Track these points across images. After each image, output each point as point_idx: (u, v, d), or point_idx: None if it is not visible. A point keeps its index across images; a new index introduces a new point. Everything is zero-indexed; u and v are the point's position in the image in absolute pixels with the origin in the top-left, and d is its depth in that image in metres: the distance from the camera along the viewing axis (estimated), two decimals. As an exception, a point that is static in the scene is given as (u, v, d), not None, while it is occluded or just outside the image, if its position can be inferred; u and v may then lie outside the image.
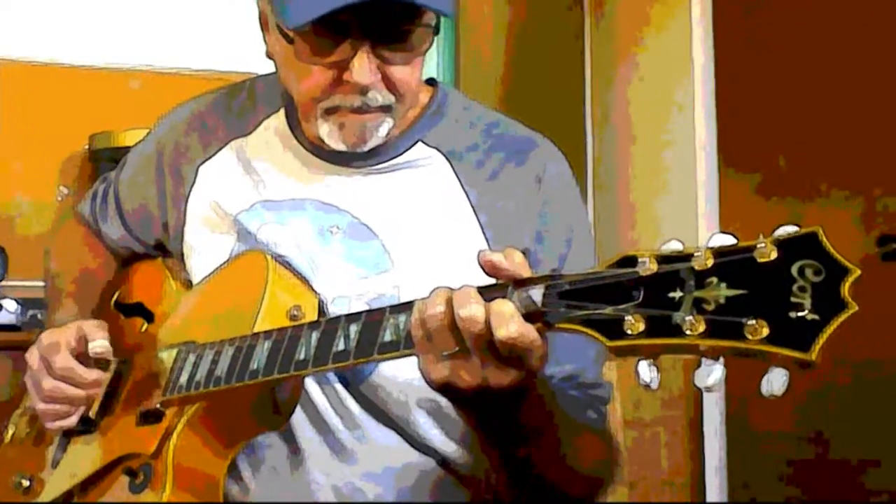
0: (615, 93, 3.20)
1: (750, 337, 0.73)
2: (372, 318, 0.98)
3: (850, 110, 2.54)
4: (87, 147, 2.52)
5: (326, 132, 1.19)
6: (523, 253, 0.93)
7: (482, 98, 1.41)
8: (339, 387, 1.21)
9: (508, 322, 0.86)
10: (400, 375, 1.17)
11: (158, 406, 1.17)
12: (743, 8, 2.88)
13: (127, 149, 1.51)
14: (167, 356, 1.20)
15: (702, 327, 0.75)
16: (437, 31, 1.15)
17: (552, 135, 1.31)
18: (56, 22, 2.64)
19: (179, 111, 1.41)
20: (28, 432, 1.38)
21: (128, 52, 2.67)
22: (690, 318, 0.76)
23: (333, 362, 0.99)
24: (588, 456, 1.15)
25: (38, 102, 2.57)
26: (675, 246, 0.80)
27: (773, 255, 0.75)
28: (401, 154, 1.25)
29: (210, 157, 1.34)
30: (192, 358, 1.15)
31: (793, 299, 0.73)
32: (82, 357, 1.24)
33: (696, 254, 0.78)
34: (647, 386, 0.81)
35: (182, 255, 1.35)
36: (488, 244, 1.20)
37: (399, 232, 1.22)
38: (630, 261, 0.82)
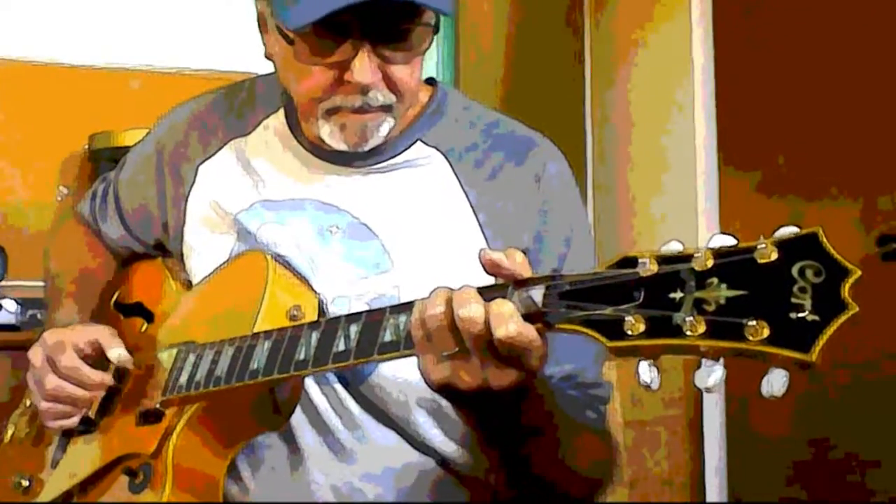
0: (615, 93, 3.19)
1: (750, 338, 0.73)
2: (372, 319, 0.98)
3: (850, 110, 2.53)
4: (86, 147, 2.51)
5: (328, 133, 1.19)
6: (523, 253, 0.93)
7: (482, 98, 1.41)
8: (338, 387, 1.20)
9: (508, 322, 0.86)
10: (400, 375, 1.17)
11: (158, 406, 1.17)
12: (743, 8, 2.88)
13: (127, 149, 1.51)
14: (167, 356, 1.20)
15: (702, 328, 0.75)
16: (436, 30, 1.15)
17: (552, 135, 1.30)
18: (56, 22, 2.64)
19: (179, 111, 1.41)
20: (27, 432, 1.38)
21: (128, 52, 2.67)
22: (691, 318, 0.76)
23: (333, 362, 0.99)
24: (587, 456, 1.15)
25: (38, 102, 2.56)
26: (675, 246, 0.80)
27: (774, 255, 0.75)
28: (400, 153, 1.25)
29: (210, 157, 1.34)
30: (191, 358, 1.15)
31: (793, 300, 0.73)
32: (89, 360, 1.24)
33: (696, 254, 0.78)
34: (648, 386, 0.80)
35: (182, 255, 1.35)
36: (487, 244, 1.20)
37: (399, 232, 1.22)
38: (630, 261, 0.82)
